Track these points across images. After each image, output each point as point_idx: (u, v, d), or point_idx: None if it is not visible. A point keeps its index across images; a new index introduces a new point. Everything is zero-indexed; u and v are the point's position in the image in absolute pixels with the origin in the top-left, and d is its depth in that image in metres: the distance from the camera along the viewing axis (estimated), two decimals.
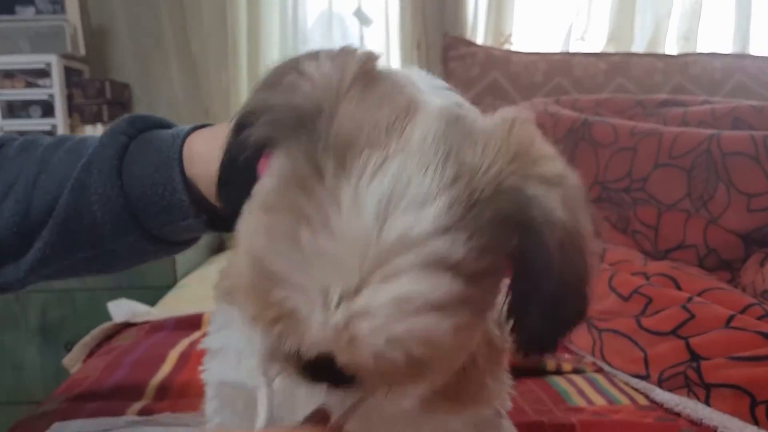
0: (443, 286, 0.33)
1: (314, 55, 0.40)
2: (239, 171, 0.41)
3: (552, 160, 0.37)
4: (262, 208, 0.36)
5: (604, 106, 1.71)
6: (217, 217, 0.61)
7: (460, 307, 0.33)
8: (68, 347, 1.33)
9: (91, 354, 1.24)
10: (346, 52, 0.40)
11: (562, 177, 0.37)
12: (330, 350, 0.34)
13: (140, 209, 0.61)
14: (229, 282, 0.52)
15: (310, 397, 0.43)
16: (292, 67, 0.40)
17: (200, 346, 0.56)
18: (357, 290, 0.32)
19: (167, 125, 0.66)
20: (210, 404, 0.57)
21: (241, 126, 0.41)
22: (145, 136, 0.63)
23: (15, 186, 0.65)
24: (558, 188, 0.36)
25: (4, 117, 2.03)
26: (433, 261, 0.32)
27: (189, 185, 0.59)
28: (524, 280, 0.37)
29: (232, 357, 0.51)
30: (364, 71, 0.39)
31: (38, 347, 1.74)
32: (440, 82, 0.46)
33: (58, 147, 0.67)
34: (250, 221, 0.36)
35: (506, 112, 0.39)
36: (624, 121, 1.58)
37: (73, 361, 1.26)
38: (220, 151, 0.45)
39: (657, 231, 1.41)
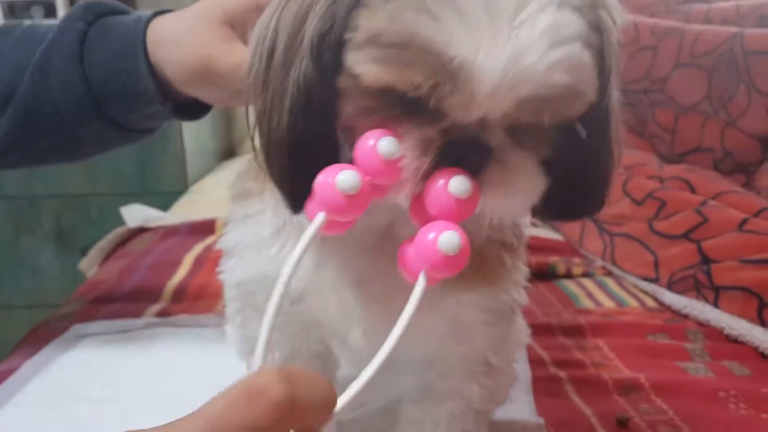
0: (578, 20, 0.37)
1: None
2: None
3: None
4: None
5: (625, 2, 1.64)
6: (182, 104, 0.60)
7: (587, 46, 0.37)
8: (84, 253, 1.35)
9: (106, 258, 1.27)
10: None
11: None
12: (494, 97, 0.35)
13: (103, 96, 0.60)
14: (243, 184, 0.53)
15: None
16: None
17: (217, 246, 0.56)
18: (513, 28, 0.34)
19: (124, 11, 0.64)
20: (230, 306, 0.57)
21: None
22: (104, 22, 0.61)
23: None
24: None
25: (6, 17, 1.98)
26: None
27: (154, 71, 0.58)
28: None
29: (250, 251, 0.51)
30: None
31: (54, 252, 1.77)
32: None
33: (6, 35, 0.65)
34: None
35: None
36: (645, 18, 1.51)
37: (89, 264, 1.28)
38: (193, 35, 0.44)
39: (674, 134, 1.38)
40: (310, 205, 0.38)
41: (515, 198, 0.39)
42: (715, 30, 1.38)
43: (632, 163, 1.25)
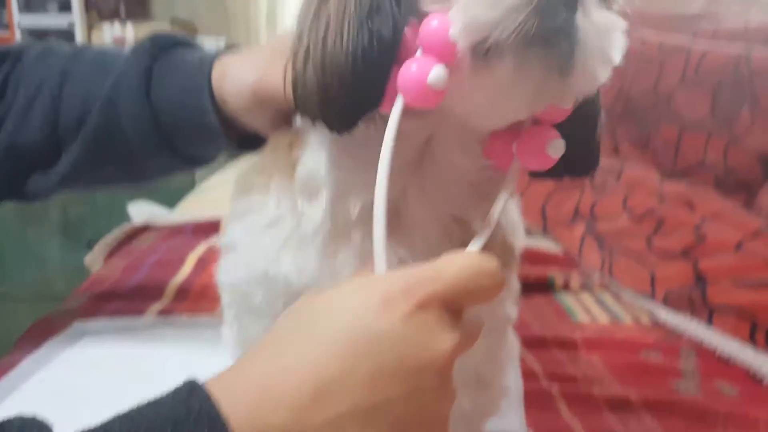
0: None
1: None
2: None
3: None
4: None
5: (634, 16, 1.65)
6: (244, 137, 0.62)
7: None
8: (90, 245, 1.37)
9: (111, 254, 1.28)
10: None
11: None
12: None
13: (170, 129, 0.62)
14: (248, 179, 0.53)
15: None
16: None
17: (217, 243, 0.57)
18: None
19: (189, 43, 0.66)
20: (227, 312, 0.58)
21: None
22: (169, 58, 0.63)
23: (39, 97, 0.66)
24: None
25: (21, 11, 2.00)
26: None
27: (218, 107, 0.60)
28: None
29: (248, 245, 0.51)
30: None
31: (60, 244, 1.80)
32: None
33: (78, 58, 0.67)
34: None
35: None
36: (653, 33, 1.52)
37: (93, 260, 1.29)
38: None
39: (677, 149, 1.39)
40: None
41: (605, 54, 0.39)
42: (722, 48, 1.39)
43: (633, 179, 1.26)
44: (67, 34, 1.99)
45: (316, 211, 0.48)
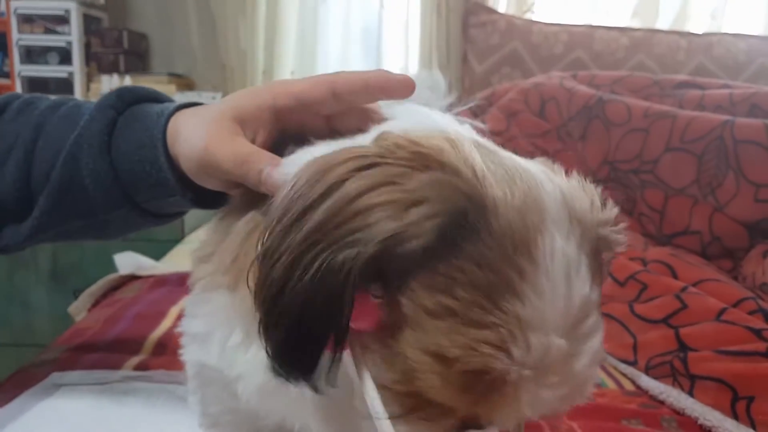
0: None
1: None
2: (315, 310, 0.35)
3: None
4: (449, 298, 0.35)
5: (621, 83, 1.69)
6: (202, 194, 0.61)
7: None
8: (76, 294, 1.36)
9: (96, 304, 1.28)
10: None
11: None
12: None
13: (129, 184, 0.62)
14: (205, 250, 0.55)
15: None
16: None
17: (177, 330, 0.57)
18: (570, 353, 0.37)
19: (156, 98, 0.66)
20: (191, 382, 0.58)
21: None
22: (132, 111, 0.63)
23: (14, 150, 0.66)
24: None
25: (22, 62, 2.04)
26: (598, 314, 0.39)
27: (173, 164, 0.59)
28: None
29: (215, 346, 0.51)
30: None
31: (47, 291, 1.79)
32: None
33: (54, 112, 0.68)
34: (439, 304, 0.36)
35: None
36: (639, 101, 1.56)
37: (78, 309, 1.29)
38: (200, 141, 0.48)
39: (663, 215, 1.41)
40: None
41: None
42: (707, 116, 1.42)
43: None
44: (67, 84, 2.03)
45: None
